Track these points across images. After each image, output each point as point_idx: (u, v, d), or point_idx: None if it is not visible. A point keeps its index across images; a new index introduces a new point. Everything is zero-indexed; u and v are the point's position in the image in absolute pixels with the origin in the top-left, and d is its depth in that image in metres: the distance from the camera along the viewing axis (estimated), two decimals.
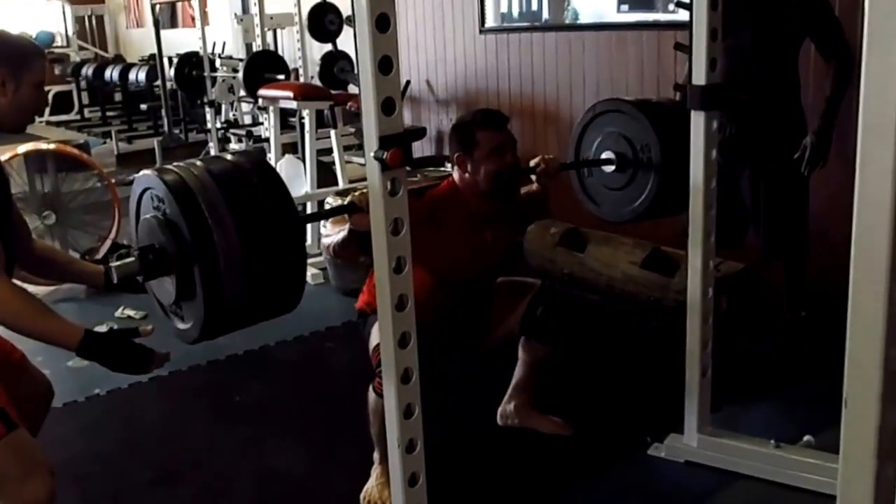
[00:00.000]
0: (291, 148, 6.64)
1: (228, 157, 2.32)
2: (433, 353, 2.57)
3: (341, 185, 5.94)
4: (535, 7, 6.23)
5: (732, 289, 4.10)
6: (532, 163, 3.20)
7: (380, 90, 1.99)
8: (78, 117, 12.68)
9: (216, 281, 2.04)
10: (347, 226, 2.68)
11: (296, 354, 4.58)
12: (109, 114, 12.32)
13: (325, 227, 3.15)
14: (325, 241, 3.00)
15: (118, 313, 5.08)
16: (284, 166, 5.90)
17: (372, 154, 2.04)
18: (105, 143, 10.86)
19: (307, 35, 6.93)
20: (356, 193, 2.44)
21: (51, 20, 14.63)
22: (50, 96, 12.24)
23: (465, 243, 3.18)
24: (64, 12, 14.58)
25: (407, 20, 7.26)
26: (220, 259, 2.01)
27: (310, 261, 5.82)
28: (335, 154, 6.01)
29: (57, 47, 14.10)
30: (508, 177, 3.14)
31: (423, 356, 2.30)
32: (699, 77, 2.78)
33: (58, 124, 11.14)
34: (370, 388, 3.00)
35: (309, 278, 5.60)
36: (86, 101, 13.02)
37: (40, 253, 2.69)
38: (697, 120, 2.84)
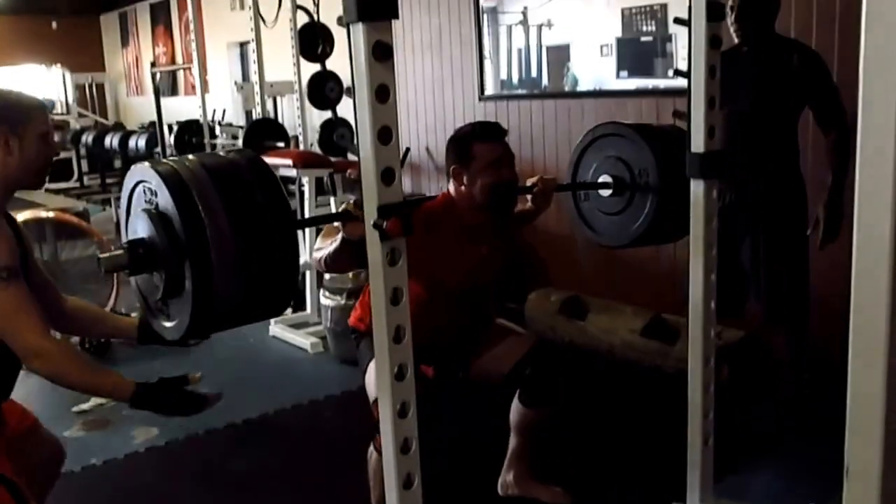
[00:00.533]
0: None
1: (223, 153, 2.28)
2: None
3: None
4: (534, 74, 6.28)
5: (734, 357, 4.08)
6: (529, 182, 3.16)
7: (379, 160, 1.99)
8: (77, 185, 12.74)
9: (206, 277, 1.99)
10: (340, 235, 2.62)
11: (295, 423, 4.54)
12: (109, 181, 12.38)
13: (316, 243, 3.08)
14: (317, 254, 2.88)
15: None
16: None
17: (371, 223, 2.03)
18: (104, 210, 10.89)
19: (307, 102, 6.99)
20: (350, 202, 2.41)
21: (51, 87, 14.77)
22: None
23: (460, 256, 3.13)
24: (64, 80, 14.74)
25: (407, 88, 7.33)
26: (211, 254, 1.97)
27: (309, 329, 5.82)
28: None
29: (57, 114, 14.21)
30: (505, 190, 3.08)
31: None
32: (697, 145, 2.78)
33: (57, 192, 11.19)
34: (370, 446, 2.95)
35: (308, 347, 5.59)
36: (85, 168, 13.10)
37: (72, 310, 2.67)
38: (697, 187, 2.83)
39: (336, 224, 2.62)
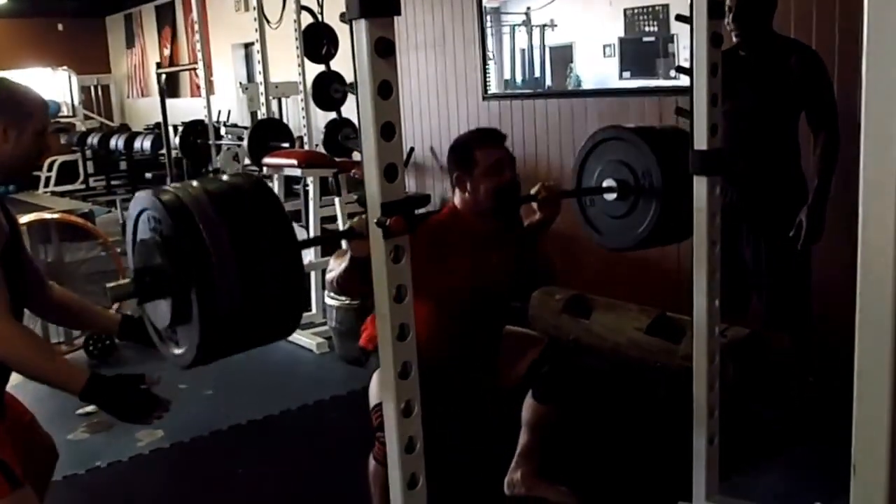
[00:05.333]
0: (296, 215, 6.66)
1: (226, 177, 2.29)
2: (440, 394, 2.51)
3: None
4: (537, 74, 6.28)
5: (739, 355, 4.07)
6: (533, 190, 3.15)
7: (382, 156, 1.99)
8: (83, 186, 12.76)
9: (213, 302, 1.99)
10: (348, 255, 2.63)
11: (300, 424, 4.53)
12: (114, 182, 12.42)
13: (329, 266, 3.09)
14: (329, 276, 2.92)
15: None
16: None
17: (375, 221, 2.03)
18: (110, 211, 10.91)
19: (311, 103, 6.99)
20: (355, 219, 2.41)
21: (57, 90, 14.80)
22: (55, 166, 12.32)
23: (471, 265, 3.12)
24: (70, 82, 14.77)
25: (411, 88, 7.33)
26: (217, 280, 1.97)
27: (314, 330, 5.82)
28: (339, 221, 6.02)
29: (63, 117, 14.26)
30: (509, 193, 3.09)
31: (430, 396, 2.25)
32: (700, 142, 2.78)
33: (62, 194, 11.20)
34: (370, 456, 2.95)
35: (314, 347, 5.59)
36: (91, 170, 13.12)
37: (57, 300, 2.66)
38: (700, 184, 2.83)
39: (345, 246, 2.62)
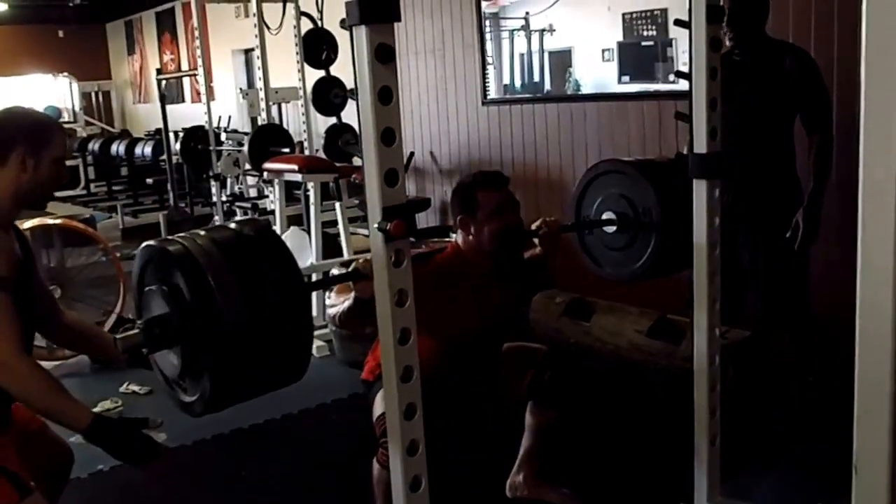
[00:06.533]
0: (296, 220, 6.67)
1: (233, 225, 2.30)
2: (442, 423, 2.54)
3: (346, 256, 5.96)
4: (536, 79, 6.30)
5: (739, 356, 4.08)
6: (534, 226, 3.19)
7: (383, 161, 2.00)
8: (84, 192, 12.78)
9: (222, 352, 2.01)
10: (352, 294, 2.66)
11: (302, 428, 4.54)
12: (115, 188, 12.43)
13: (329, 297, 3.14)
14: (331, 311, 2.98)
15: (122, 388, 5.05)
16: (290, 238, 5.92)
17: (375, 225, 2.04)
18: (111, 217, 10.94)
19: (312, 108, 7.00)
20: (360, 261, 2.44)
21: (58, 96, 14.82)
22: None
23: (473, 305, 3.16)
24: (71, 88, 14.79)
25: (410, 93, 7.35)
26: (226, 329, 1.99)
27: (315, 333, 5.81)
28: (340, 226, 6.04)
29: (64, 122, 14.25)
30: (512, 235, 3.13)
31: (432, 427, 2.27)
32: (700, 146, 2.79)
33: (64, 199, 11.22)
34: (374, 460, 2.97)
35: (314, 350, 5.58)
36: (92, 175, 13.13)
37: (68, 325, 2.70)
38: (699, 188, 2.84)
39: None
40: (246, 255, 2.10)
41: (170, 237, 2.16)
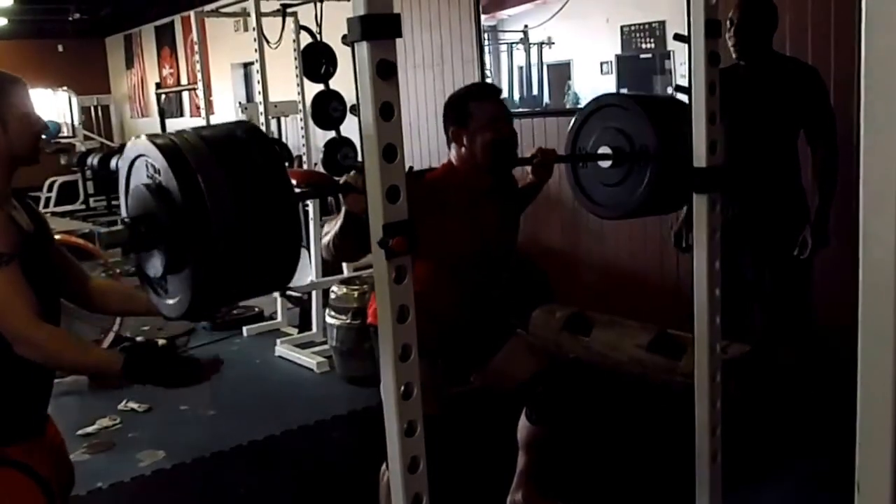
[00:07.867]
0: None
1: (221, 125, 2.25)
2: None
3: (346, 273, 5.95)
4: (535, 92, 6.30)
5: (741, 371, 4.08)
6: (529, 155, 3.15)
7: (384, 178, 1.99)
8: (83, 207, 12.78)
9: (207, 249, 1.95)
10: (343, 210, 2.61)
11: (302, 444, 4.53)
12: (115, 203, 12.40)
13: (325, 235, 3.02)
14: (324, 240, 2.88)
15: (121, 406, 5.03)
16: None
17: (377, 242, 2.03)
18: None
19: (311, 122, 7.01)
20: (351, 174, 2.40)
21: (57, 110, 14.82)
22: (55, 186, 12.32)
23: (468, 221, 3.09)
24: (70, 103, 14.78)
25: (409, 107, 7.35)
26: (213, 227, 1.93)
27: (315, 349, 5.82)
28: None
29: (63, 137, 14.27)
30: (506, 146, 3.09)
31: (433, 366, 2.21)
32: (699, 160, 2.78)
33: (63, 214, 11.21)
34: (384, 465, 2.95)
35: (314, 366, 5.59)
36: (91, 190, 13.13)
37: (99, 290, 2.72)
38: (700, 202, 2.83)
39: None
40: (234, 152, 2.04)
41: (159, 133, 2.11)
